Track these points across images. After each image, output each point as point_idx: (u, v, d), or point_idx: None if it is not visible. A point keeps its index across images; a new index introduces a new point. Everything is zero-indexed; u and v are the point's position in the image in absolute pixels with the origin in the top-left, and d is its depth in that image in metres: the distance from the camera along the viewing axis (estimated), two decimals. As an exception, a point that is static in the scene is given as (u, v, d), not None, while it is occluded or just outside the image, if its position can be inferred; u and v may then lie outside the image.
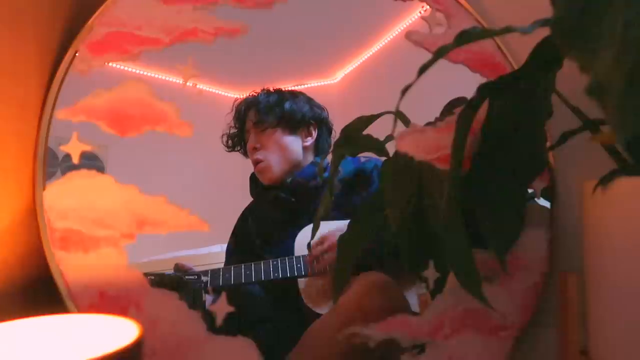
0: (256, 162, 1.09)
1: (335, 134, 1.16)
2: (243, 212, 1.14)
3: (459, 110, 0.58)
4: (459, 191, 0.57)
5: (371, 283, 0.80)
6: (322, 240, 0.95)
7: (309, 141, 1.11)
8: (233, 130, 1.15)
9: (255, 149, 1.08)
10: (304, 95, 1.15)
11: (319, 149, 1.13)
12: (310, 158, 1.11)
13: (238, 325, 0.67)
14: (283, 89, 1.14)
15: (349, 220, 0.75)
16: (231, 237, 1.12)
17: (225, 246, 1.13)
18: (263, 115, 1.08)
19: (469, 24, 0.77)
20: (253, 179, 1.12)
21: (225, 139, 1.16)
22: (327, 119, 1.15)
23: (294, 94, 1.13)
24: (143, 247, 0.66)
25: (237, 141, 1.15)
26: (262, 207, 1.11)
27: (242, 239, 1.10)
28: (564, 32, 0.39)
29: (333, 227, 0.95)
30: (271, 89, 1.14)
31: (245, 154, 1.14)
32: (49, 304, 0.61)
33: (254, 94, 1.13)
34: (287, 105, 1.09)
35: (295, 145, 1.09)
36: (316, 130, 1.12)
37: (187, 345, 0.62)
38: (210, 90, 1.40)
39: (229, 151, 1.16)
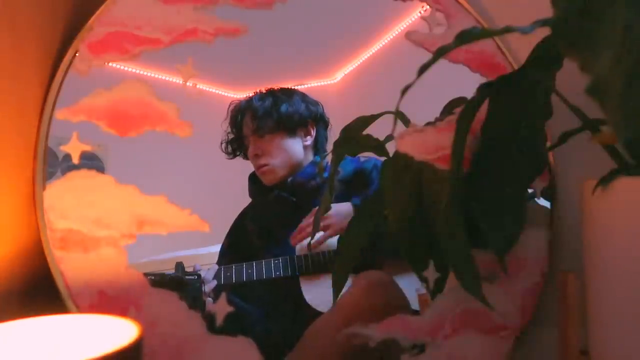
0: (259, 167, 1.08)
1: (332, 127, 1.15)
2: (241, 212, 1.14)
3: (459, 110, 0.58)
4: (459, 191, 0.57)
5: (370, 282, 0.80)
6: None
7: (309, 140, 1.11)
8: (231, 137, 1.13)
9: (257, 156, 1.07)
10: (298, 93, 1.13)
11: (318, 145, 1.12)
12: (310, 155, 1.11)
13: (238, 326, 0.67)
14: (275, 89, 1.12)
15: (346, 203, 0.74)
16: (226, 238, 1.12)
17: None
18: (260, 122, 1.06)
19: (469, 24, 0.77)
20: (252, 179, 1.12)
21: (224, 146, 1.14)
22: (323, 114, 1.14)
23: (288, 94, 1.11)
24: (143, 247, 0.66)
25: (237, 147, 1.14)
26: (263, 206, 1.11)
27: (238, 240, 1.10)
28: (564, 32, 0.39)
29: (331, 211, 0.95)
30: (264, 90, 1.12)
31: (246, 157, 1.13)
32: (49, 304, 0.61)
33: (248, 98, 1.11)
34: (283, 108, 1.07)
35: (297, 146, 1.09)
36: (314, 128, 1.11)
37: (187, 345, 0.62)
38: (210, 90, 1.40)
39: (230, 158, 1.14)
